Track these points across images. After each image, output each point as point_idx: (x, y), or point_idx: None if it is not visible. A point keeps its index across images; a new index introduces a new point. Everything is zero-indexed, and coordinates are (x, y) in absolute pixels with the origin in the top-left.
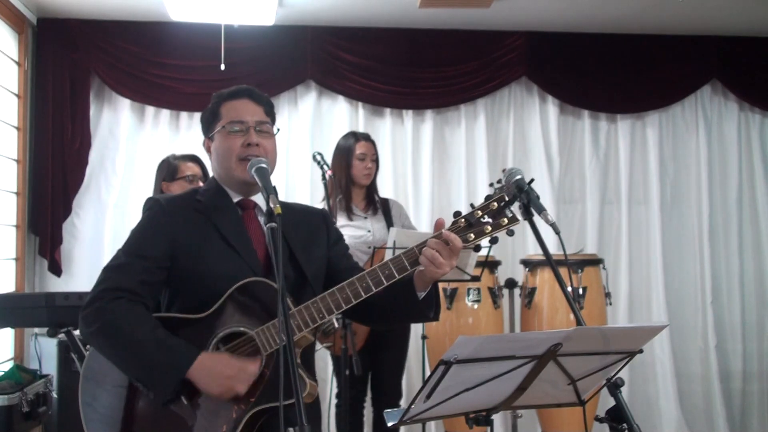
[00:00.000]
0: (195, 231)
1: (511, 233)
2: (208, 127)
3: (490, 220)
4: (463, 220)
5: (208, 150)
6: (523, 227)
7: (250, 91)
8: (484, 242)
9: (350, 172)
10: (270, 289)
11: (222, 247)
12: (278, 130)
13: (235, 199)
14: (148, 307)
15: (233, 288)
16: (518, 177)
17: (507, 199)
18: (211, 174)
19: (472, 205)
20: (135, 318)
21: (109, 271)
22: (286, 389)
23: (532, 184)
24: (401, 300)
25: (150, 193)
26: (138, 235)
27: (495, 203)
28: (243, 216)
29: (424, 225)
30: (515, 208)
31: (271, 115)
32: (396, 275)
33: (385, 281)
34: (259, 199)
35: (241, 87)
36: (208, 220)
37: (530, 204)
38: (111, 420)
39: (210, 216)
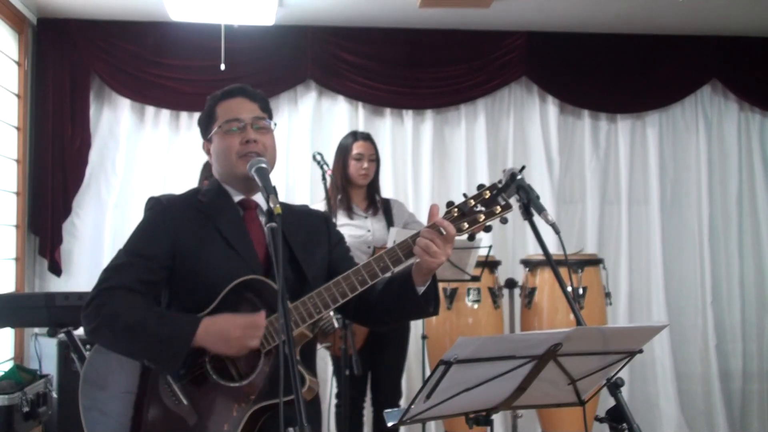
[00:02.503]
0: (196, 231)
1: (504, 221)
2: (205, 129)
3: (483, 209)
4: (456, 209)
5: (208, 152)
6: (523, 227)
7: (243, 88)
8: (479, 235)
9: (347, 172)
10: (267, 286)
11: (222, 247)
12: (275, 125)
13: (237, 198)
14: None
15: (230, 286)
16: (518, 177)
17: (499, 186)
18: None
19: (464, 195)
20: (132, 303)
21: (109, 271)
22: (286, 387)
23: (533, 184)
24: (401, 296)
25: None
26: (139, 235)
27: (487, 192)
28: (244, 216)
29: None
30: (514, 204)
31: (267, 110)
32: (391, 267)
33: (380, 273)
34: (260, 198)
35: (234, 86)
36: (209, 220)
37: (530, 204)
38: (119, 426)
39: (211, 216)
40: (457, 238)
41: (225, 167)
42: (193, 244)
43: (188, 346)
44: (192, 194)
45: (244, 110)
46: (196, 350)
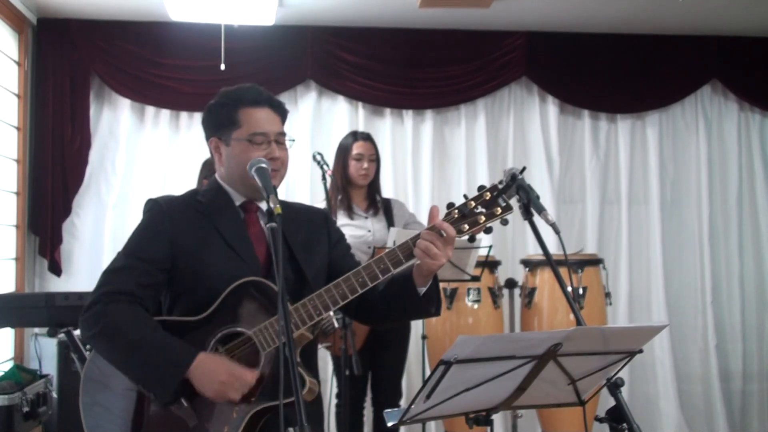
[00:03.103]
0: (195, 232)
1: (505, 222)
2: (220, 128)
3: (484, 210)
4: (456, 211)
5: (216, 149)
6: (523, 227)
7: (269, 99)
8: (479, 235)
9: (347, 172)
10: (267, 288)
11: (222, 248)
12: (293, 141)
13: (238, 201)
14: (147, 310)
15: (230, 288)
16: (518, 178)
17: (500, 188)
18: None
19: (465, 196)
20: (134, 319)
21: (108, 274)
22: (286, 388)
23: (533, 184)
24: (402, 297)
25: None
26: (138, 237)
27: (488, 193)
28: (245, 218)
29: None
30: (514, 203)
31: (284, 123)
32: (391, 269)
33: (380, 275)
34: (262, 202)
35: (261, 93)
36: (209, 221)
37: (530, 204)
38: (118, 422)
39: (211, 217)
40: (457, 239)
41: (240, 176)
42: (193, 245)
43: (180, 379)
44: (191, 195)
45: (269, 123)
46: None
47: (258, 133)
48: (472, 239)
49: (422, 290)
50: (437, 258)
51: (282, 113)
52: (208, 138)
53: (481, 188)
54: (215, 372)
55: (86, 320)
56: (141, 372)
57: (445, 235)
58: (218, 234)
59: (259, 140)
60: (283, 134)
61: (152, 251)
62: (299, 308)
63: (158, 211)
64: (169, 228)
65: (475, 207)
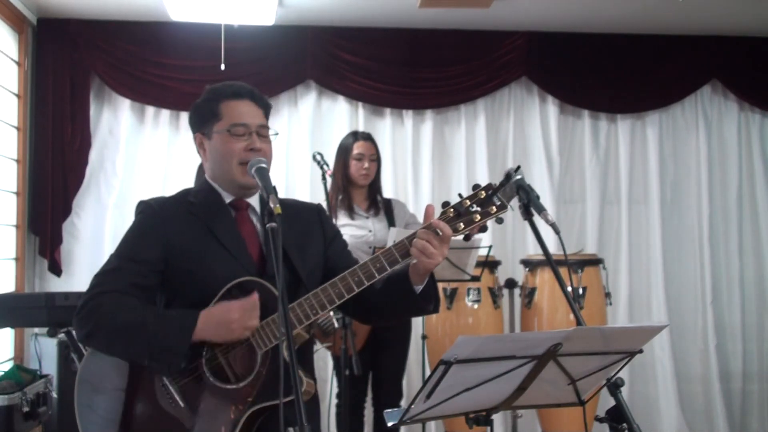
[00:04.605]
0: (188, 233)
1: (500, 221)
2: (203, 123)
3: (479, 209)
4: (451, 209)
5: (201, 145)
6: (523, 227)
7: (251, 92)
8: (478, 235)
9: (348, 172)
10: (263, 288)
11: (216, 248)
12: (276, 134)
13: (228, 199)
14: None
15: (226, 288)
16: (518, 177)
17: (494, 187)
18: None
19: (460, 195)
20: (127, 303)
21: (101, 275)
22: (285, 388)
23: (532, 184)
24: (399, 296)
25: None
26: (130, 240)
27: (483, 192)
28: (236, 217)
29: None
30: (515, 204)
31: (268, 117)
32: (387, 268)
33: (377, 274)
34: (252, 200)
35: (243, 87)
36: (201, 221)
37: (530, 204)
38: (110, 423)
39: (203, 218)
40: (453, 238)
41: (222, 170)
42: (186, 246)
43: (190, 340)
44: (182, 196)
45: (250, 115)
46: (195, 348)
47: (238, 124)
48: (467, 238)
49: (419, 288)
50: (434, 257)
51: (264, 107)
52: (193, 135)
53: (476, 187)
54: (224, 316)
55: (80, 319)
56: (148, 348)
57: (441, 233)
58: (211, 234)
59: (239, 131)
60: (265, 127)
61: (145, 253)
62: (295, 307)
63: (150, 213)
64: (162, 230)
65: (471, 206)
